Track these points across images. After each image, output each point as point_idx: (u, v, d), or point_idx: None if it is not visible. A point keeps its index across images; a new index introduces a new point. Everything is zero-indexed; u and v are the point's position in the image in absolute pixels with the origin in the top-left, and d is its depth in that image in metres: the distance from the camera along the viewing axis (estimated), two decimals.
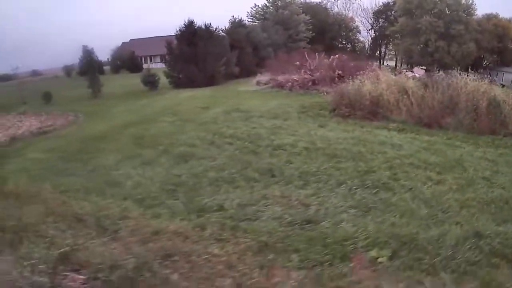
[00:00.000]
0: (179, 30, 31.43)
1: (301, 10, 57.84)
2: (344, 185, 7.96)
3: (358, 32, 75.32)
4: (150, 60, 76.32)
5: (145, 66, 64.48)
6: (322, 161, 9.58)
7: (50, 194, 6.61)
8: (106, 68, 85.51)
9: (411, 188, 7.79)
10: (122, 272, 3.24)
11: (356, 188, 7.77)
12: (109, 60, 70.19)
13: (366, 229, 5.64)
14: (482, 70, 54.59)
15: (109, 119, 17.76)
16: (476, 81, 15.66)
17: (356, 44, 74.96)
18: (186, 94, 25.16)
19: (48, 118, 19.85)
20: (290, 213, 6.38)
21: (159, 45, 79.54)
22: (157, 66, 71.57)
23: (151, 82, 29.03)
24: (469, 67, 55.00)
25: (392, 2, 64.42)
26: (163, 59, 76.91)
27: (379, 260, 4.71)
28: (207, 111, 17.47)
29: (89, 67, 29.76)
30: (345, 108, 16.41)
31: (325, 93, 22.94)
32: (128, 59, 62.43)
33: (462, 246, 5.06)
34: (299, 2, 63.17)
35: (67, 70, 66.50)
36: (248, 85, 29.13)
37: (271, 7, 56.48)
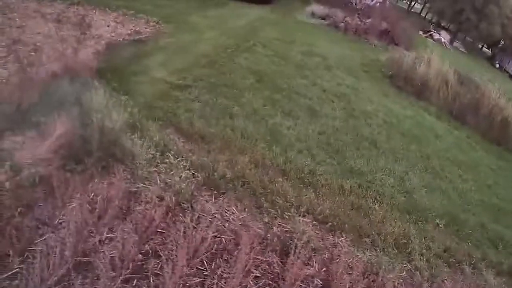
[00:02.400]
0: None
1: None
2: (416, 167, 11.10)
3: None
4: None
5: None
6: (398, 139, 12.47)
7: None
8: None
9: (451, 181, 11.16)
10: None
11: (421, 171, 10.99)
12: None
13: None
14: (496, 51, 56.63)
15: (198, 32, 18.01)
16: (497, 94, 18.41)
17: None
18: (249, 12, 25.41)
19: (126, 20, 18.34)
20: None
21: None
22: None
23: None
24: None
25: None
26: None
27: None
28: (290, 48, 18.75)
29: None
30: (400, 80, 18.83)
31: (374, 46, 25.08)
32: None
33: None
34: None
35: None
36: (303, 13, 30.04)
37: None
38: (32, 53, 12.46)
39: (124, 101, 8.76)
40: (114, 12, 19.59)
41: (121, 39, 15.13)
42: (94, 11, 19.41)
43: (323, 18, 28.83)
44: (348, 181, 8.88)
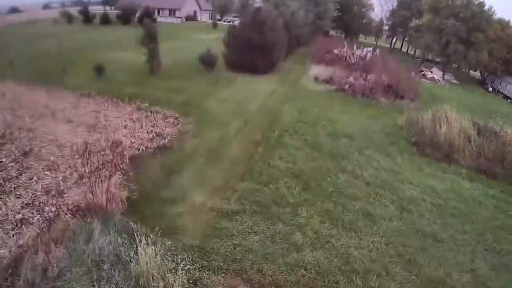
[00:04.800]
0: (249, 14, 31.20)
1: None
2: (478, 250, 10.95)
3: (372, 10, 76.55)
4: (158, 13, 72.39)
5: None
6: (451, 224, 12.10)
7: None
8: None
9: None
10: None
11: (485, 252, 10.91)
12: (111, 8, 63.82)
13: None
14: (486, 75, 58.13)
15: (220, 125, 17.49)
16: None
17: (367, 22, 76.24)
18: (259, 87, 25.41)
19: (142, 117, 17.84)
20: None
21: None
22: (167, 21, 68.58)
23: (210, 63, 28.12)
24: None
25: None
26: (171, 13, 74.28)
27: None
28: (315, 131, 18.43)
29: (149, 33, 24.82)
30: (427, 146, 18.46)
31: (383, 104, 25.07)
32: (143, 13, 57.04)
33: None
34: None
35: (66, 14, 60.51)
36: (307, 79, 30.31)
37: None
38: (47, 173, 11.78)
39: (171, 250, 8.05)
40: (127, 105, 19.29)
41: (144, 148, 14.45)
42: (106, 105, 19.26)
43: (328, 82, 28.87)
44: None
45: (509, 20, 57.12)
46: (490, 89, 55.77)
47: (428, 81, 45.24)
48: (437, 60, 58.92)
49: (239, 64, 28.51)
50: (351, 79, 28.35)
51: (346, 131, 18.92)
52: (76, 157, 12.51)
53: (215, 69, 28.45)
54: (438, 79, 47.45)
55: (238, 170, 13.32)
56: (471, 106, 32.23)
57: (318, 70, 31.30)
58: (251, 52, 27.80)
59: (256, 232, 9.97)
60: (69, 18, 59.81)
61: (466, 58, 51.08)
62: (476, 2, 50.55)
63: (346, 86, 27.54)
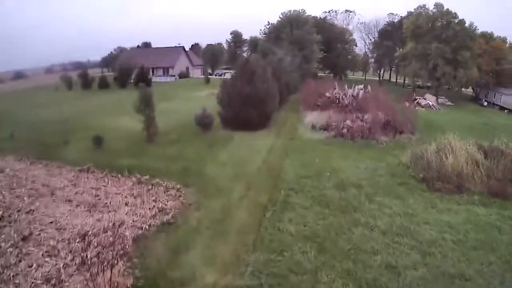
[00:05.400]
0: (238, 67, 31.54)
1: (314, 30, 58.63)
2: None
3: (355, 45, 78.39)
4: (153, 73, 74.54)
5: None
6: (478, 260, 11.61)
7: None
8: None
9: None
10: None
11: None
12: (109, 70, 66.28)
13: None
14: (478, 90, 58.33)
15: (222, 192, 17.02)
16: None
17: (352, 57, 77.86)
18: (257, 144, 25.19)
19: (143, 192, 17.33)
20: None
21: (162, 57, 78.99)
22: (161, 80, 70.56)
23: (206, 124, 28.15)
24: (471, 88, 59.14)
25: (397, 22, 66.90)
26: (165, 71, 76.73)
27: None
28: (321, 185, 17.97)
29: (144, 98, 24.92)
30: (436, 181, 18.05)
31: (384, 144, 24.74)
32: (139, 74, 59.17)
33: None
34: (311, 17, 64.18)
35: (67, 80, 63.33)
36: (304, 128, 30.22)
37: (287, 26, 56.50)
38: (47, 259, 11.21)
39: None
40: (127, 179, 18.87)
41: (147, 226, 13.87)
42: (106, 180, 18.85)
43: (325, 129, 28.78)
44: None
45: (491, 32, 58.79)
46: (485, 103, 55.92)
47: (423, 109, 45.43)
48: (428, 85, 59.42)
49: (234, 121, 28.46)
50: (348, 122, 28.32)
51: (352, 179, 18.55)
52: (77, 241, 12.23)
53: (211, 129, 28.48)
54: (432, 105, 47.66)
55: (248, 240, 12.79)
56: (471, 126, 32.17)
57: (313, 117, 31.37)
58: (245, 106, 27.87)
59: None
60: (69, 83, 62.46)
61: (456, 78, 51.36)
62: (456, 21, 51.37)
63: (345, 130, 27.46)
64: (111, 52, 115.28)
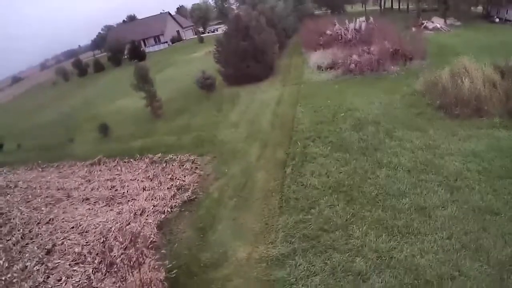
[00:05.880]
0: (230, 23, 30.12)
1: None
2: None
3: None
4: (145, 44, 72.64)
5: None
6: (496, 185, 11.22)
7: None
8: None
9: None
10: None
11: None
12: (102, 51, 65.78)
13: None
14: (489, 7, 54.71)
15: (239, 153, 16.75)
16: None
17: None
18: (264, 96, 24.43)
19: (158, 172, 16.90)
20: None
21: (149, 26, 76.46)
22: (155, 49, 68.88)
23: (209, 85, 27.32)
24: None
25: None
26: (156, 40, 74.50)
27: None
28: (337, 127, 17.40)
29: (140, 75, 23.91)
30: (454, 107, 17.19)
31: (396, 74, 23.68)
32: (131, 48, 57.88)
33: None
34: None
35: (62, 72, 62.60)
36: (310, 70, 28.95)
37: None
38: (75, 268, 10.93)
39: None
40: (140, 162, 18.53)
41: (169, 209, 13.49)
42: (119, 168, 18.50)
43: (331, 67, 27.56)
44: None
45: None
46: (497, 20, 52.70)
47: (432, 32, 43.07)
48: (435, 7, 55.54)
49: (237, 76, 27.69)
50: (355, 56, 26.93)
51: (368, 117, 17.83)
52: (102, 241, 12.00)
53: (215, 89, 27.71)
54: (441, 27, 45.08)
55: (274, 203, 12.47)
56: (484, 46, 30.41)
57: (317, 57, 30.03)
58: (244, 61, 27.00)
59: (314, 273, 9.12)
60: (64, 75, 62.12)
61: None
62: None
63: (352, 66, 26.19)
64: (99, 33, 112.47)
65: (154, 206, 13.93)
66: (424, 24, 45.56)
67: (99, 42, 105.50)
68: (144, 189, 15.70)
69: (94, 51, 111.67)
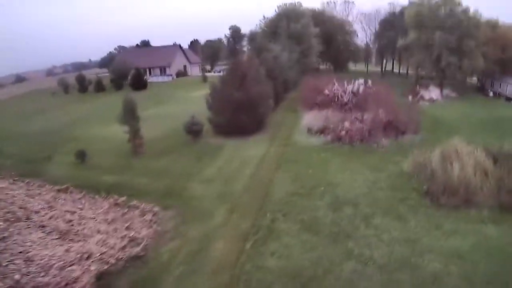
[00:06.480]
0: (229, 70, 29.70)
1: (312, 23, 56.23)
2: None
3: (356, 35, 75.70)
4: (150, 73, 73.05)
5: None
6: None
7: None
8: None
9: None
10: None
11: None
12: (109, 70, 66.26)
13: None
14: (484, 80, 55.45)
15: (204, 214, 15.71)
16: None
17: (354, 49, 75.13)
18: (248, 153, 23.44)
19: (118, 217, 16.45)
20: None
21: (158, 56, 77.47)
22: (158, 80, 69.05)
23: (195, 131, 26.48)
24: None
25: (399, 12, 64.15)
26: (162, 71, 75.27)
27: None
28: (313, 204, 16.30)
29: (128, 109, 23.42)
30: (441, 195, 16.20)
31: (383, 148, 23.41)
32: (134, 76, 58.16)
33: None
34: (308, 10, 61.72)
35: (64, 83, 63.53)
36: (300, 132, 28.07)
37: (283, 20, 54.03)
38: None
39: None
40: (104, 201, 18.06)
41: (114, 261, 12.74)
42: (83, 202, 18.15)
43: (322, 132, 26.74)
44: None
45: (497, 18, 55.65)
46: (491, 93, 53.35)
47: (427, 103, 43.22)
48: (433, 74, 56.31)
49: (225, 127, 26.59)
50: (346, 124, 26.21)
51: (348, 195, 16.80)
52: (41, 275, 11.67)
53: (202, 137, 26.80)
54: (437, 98, 45.36)
55: (221, 281, 11.25)
56: (478, 122, 30.42)
57: (310, 118, 29.24)
58: (236, 112, 25.92)
59: None
60: (65, 87, 63.57)
61: (461, 68, 48.44)
62: (460, 9, 48.41)
63: (343, 133, 25.42)
64: (110, 52, 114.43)
65: (101, 254, 13.33)
66: (421, 94, 45.73)
67: (107, 62, 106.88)
68: (98, 231, 15.25)
69: (101, 69, 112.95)
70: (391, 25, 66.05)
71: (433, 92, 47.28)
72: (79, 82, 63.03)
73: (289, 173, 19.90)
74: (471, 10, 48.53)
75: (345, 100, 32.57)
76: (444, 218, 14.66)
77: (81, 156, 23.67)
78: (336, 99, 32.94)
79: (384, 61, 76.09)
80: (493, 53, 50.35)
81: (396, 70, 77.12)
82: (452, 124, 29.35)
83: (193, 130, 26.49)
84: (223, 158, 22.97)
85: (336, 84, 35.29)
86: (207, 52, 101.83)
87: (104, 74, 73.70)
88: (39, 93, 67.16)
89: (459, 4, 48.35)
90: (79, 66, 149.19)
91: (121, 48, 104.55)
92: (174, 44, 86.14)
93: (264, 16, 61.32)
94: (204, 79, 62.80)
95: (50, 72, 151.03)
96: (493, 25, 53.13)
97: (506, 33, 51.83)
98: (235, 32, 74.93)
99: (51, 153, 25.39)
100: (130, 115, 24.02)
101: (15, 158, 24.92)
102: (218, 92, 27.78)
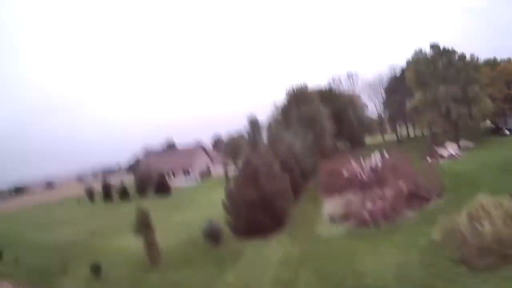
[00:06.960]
0: (240, 169, 30.08)
1: (320, 104, 57.18)
2: None
3: (366, 107, 76.36)
4: (173, 176, 75.06)
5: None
6: None
7: None
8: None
9: None
10: None
11: None
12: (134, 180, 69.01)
13: None
14: (497, 120, 54.00)
15: None
16: None
17: (367, 123, 74.96)
18: (268, 253, 22.43)
19: None
20: None
21: (181, 158, 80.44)
22: (182, 185, 70.29)
23: (214, 238, 25.60)
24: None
25: (399, 74, 65.22)
26: (185, 173, 77.32)
27: None
28: None
29: (141, 220, 23.67)
30: (476, 258, 15.11)
31: (411, 220, 22.87)
32: (158, 182, 60.24)
33: None
34: (316, 92, 63.13)
35: (90, 192, 66.85)
36: (323, 223, 26.88)
37: (293, 104, 55.46)
38: None
39: None
40: None
41: None
42: None
43: (345, 218, 25.51)
44: None
45: (494, 57, 57.12)
46: (507, 132, 51.87)
47: (447, 159, 42.12)
48: (446, 129, 55.43)
49: (244, 228, 25.85)
50: (368, 205, 25.20)
51: (378, 283, 15.60)
52: None
53: (221, 242, 26.09)
54: (456, 154, 44.22)
55: None
56: (500, 167, 29.56)
57: (331, 205, 28.09)
58: (252, 211, 25.33)
59: None
60: (91, 195, 67.60)
61: (472, 116, 47.74)
62: (456, 57, 48.99)
63: (365, 215, 24.27)
64: (135, 157, 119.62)
65: None
66: (439, 153, 44.72)
67: (133, 166, 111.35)
68: None
69: (129, 173, 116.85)
70: (395, 90, 66.61)
71: (450, 148, 46.25)
72: (104, 190, 66.20)
73: (314, 270, 18.79)
74: (467, 55, 48.98)
75: (365, 179, 31.84)
76: (484, 283, 13.53)
77: (96, 270, 23.59)
78: (355, 179, 32.29)
79: (398, 127, 75.73)
80: (499, 92, 50.19)
81: (411, 133, 76.35)
82: (474, 177, 28.43)
83: (211, 236, 25.95)
84: (243, 264, 22.04)
85: (353, 163, 34.70)
86: (229, 149, 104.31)
87: (128, 181, 76.35)
88: (67, 200, 73.09)
89: (455, 52, 49.10)
90: (108, 170, 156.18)
91: (146, 151, 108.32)
92: (197, 143, 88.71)
93: (274, 104, 62.90)
94: (226, 179, 63.79)
95: (80, 177, 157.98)
96: (492, 64, 53.65)
97: (506, 68, 52.03)
98: (253, 123, 74.28)
99: (67, 265, 25.59)
100: (143, 226, 24.28)
101: (30, 269, 25.41)
102: (233, 193, 27.86)
